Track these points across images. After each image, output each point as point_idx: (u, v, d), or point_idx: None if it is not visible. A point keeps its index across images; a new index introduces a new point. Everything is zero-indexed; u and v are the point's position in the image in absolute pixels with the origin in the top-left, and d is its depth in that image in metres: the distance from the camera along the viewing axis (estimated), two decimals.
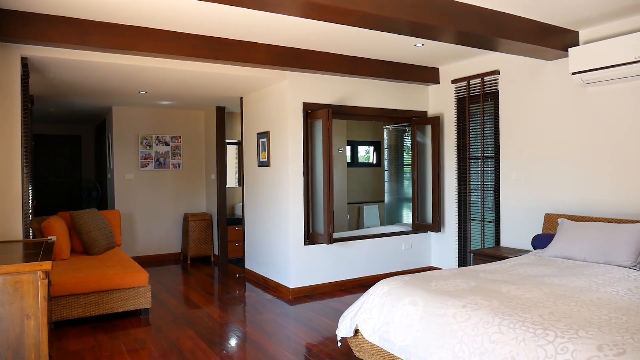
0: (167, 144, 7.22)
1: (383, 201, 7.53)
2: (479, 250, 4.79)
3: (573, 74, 4.03)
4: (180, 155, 7.33)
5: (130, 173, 6.98)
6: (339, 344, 3.38)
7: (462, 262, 5.49)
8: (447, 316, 2.59)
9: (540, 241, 4.15)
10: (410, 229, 5.94)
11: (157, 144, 7.14)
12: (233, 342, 3.81)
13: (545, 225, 4.36)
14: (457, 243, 5.57)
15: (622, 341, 1.98)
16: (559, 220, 4.05)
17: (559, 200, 4.44)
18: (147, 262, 6.87)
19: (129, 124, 6.97)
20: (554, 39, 4.03)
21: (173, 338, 3.81)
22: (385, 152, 7.26)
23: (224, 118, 7.04)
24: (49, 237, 3.39)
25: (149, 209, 7.11)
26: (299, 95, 5.08)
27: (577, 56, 3.98)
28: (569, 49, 4.05)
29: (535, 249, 4.19)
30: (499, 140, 5.01)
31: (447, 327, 2.54)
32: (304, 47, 4.65)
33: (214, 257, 7.17)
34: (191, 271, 6.49)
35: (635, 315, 2.31)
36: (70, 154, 9.58)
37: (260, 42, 4.41)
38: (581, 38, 4.19)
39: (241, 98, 6.16)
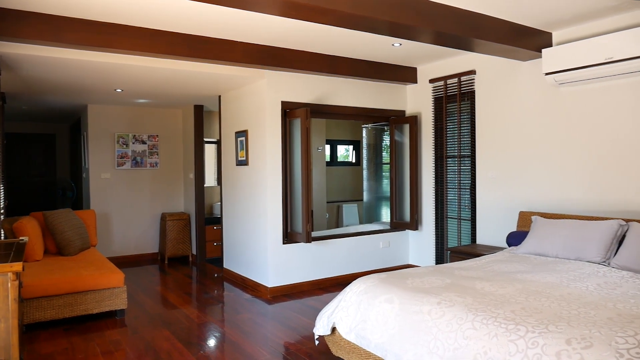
0: (144, 142, 7.13)
1: (362, 200, 7.57)
2: (456, 247, 4.85)
3: (546, 74, 4.11)
4: (157, 154, 7.24)
5: (107, 172, 6.87)
6: (317, 342, 3.39)
7: (440, 259, 5.56)
8: (422, 313, 2.62)
9: (515, 238, 4.22)
10: (388, 227, 5.98)
11: (133, 143, 7.04)
12: (210, 342, 3.79)
13: (520, 222, 4.44)
14: (434, 241, 5.63)
15: (590, 335, 2.03)
16: (533, 217, 4.13)
17: (533, 198, 4.53)
18: (123, 262, 6.77)
19: (104, 123, 6.86)
20: (527, 40, 4.10)
21: (149, 339, 3.77)
22: (364, 151, 7.29)
23: (202, 117, 6.99)
24: (21, 238, 3.32)
25: (125, 208, 7.01)
26: (277, 94, 5.07)
27: (550, 57, 4.06)
28: (543, 50, 4.13)
29: (509, 246, 4.26)
30: (475, 139, 5.08)
31: (422, 324, 2.57)
32: (283, 46, 4.64)
33: (192, 257, 7.11)
34: (169, 271, 6.42)
35: (603, 309, 2.37)
36: (45, 152, 9.38)
37: (238, 40, 4.39)
38: (554, 39, 4.27)
39: (219, 96, 6.11)
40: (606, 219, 3.74)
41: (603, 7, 3.64)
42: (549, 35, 4.26)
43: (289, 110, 5.10)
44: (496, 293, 2.72)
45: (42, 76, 4.67)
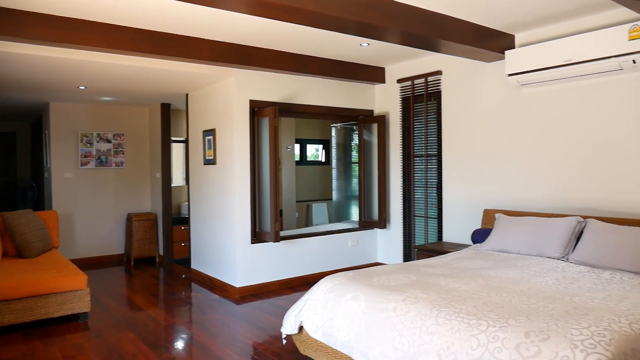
0: (109, 141, 6.97)
1: (331, 199, 7.60)
2: (422, 245, 4.92)
3: (509, 75, 4.21)
4: (123, 153, 7.09)
5: (69, 172, 6.69)
6: (284, 341, 3.38)
7: (407, 257, 5.63)
8: (387, 310, 2.65)
9: (479, 236, 4.32)
10: (357, 226, 6.02)
11: (98, 142, 6.87)
12: (177, 344, 3.74)
13: (484, 220, 4.55)
14: (402, 239, 5.70)
15: (547, 327, 2.09)
16: (496, 215, 4.23)
17: (497, 196, 4.64)
18: (88, 264, 6.60)
19: (67, 121, 6.67)
20: (491, 42, 4.20)
21: (113, 342, 3.69)
22: (334, 151, 7.32)
23: (169, 115, 6.87)
24: None
25: (89, 209, 6.84)
26: (245, 93, 5.03)
27: (512, 59, 4.17)
28: (505, 52, 4.23)
29: (474, 244, 4.35)
30: (441, 138, 5.17)
31: (388, 321, 2.60)
32: (251, 44, 4.62)
33: (159, 257, 6.99)
34: (135, 273, 6.29)
35: (561, 303, 2.45)
36: (4, 151, 9.05)
37: (206, 37, 4.34)
38: (517, 41, 4.39)
39: (187, 95, 6.03)
40: (565, 216, 3.87)
41: (563, 10, 3.76)
42: (511, 38, 4.37)
43: (257, 109, 5.08)
44: (460, 289, 2.78)
45: (1, 72, 4.51)
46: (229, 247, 5.16)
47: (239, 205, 5.02)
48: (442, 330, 2.33)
